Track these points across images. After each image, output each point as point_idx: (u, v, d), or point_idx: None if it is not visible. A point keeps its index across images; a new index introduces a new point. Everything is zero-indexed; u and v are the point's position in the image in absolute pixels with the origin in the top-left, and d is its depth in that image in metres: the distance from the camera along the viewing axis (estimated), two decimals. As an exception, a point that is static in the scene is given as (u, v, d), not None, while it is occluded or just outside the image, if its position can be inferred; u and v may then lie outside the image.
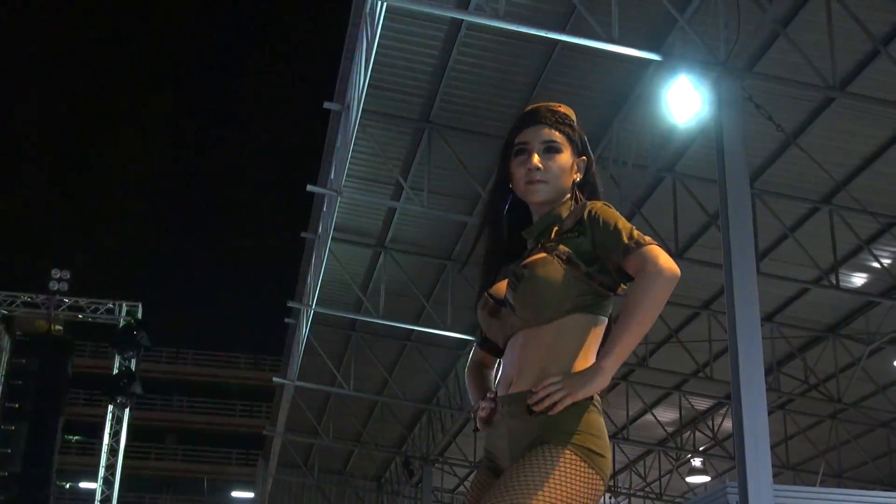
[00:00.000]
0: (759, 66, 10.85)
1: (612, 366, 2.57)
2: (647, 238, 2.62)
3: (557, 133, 2.83)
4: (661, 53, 10.06)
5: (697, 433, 21.06)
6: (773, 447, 11.02)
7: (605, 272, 2.67)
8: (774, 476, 9.18)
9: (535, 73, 11.66)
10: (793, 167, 12.64)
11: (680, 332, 16.59)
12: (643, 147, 11.67)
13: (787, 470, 20.39)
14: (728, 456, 19.73)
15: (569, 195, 2.84)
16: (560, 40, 10.59)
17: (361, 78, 11.34)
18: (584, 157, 2.88)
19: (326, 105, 13.36)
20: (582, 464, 2.53)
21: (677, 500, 23.16)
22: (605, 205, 2.74)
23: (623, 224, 2.66)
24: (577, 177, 2.86)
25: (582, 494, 2.52)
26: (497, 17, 9.68)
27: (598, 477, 2.56)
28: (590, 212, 2.71)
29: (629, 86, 11.56)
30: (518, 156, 2.84)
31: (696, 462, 21.85)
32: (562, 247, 2.70)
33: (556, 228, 2.76)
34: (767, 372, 13.30)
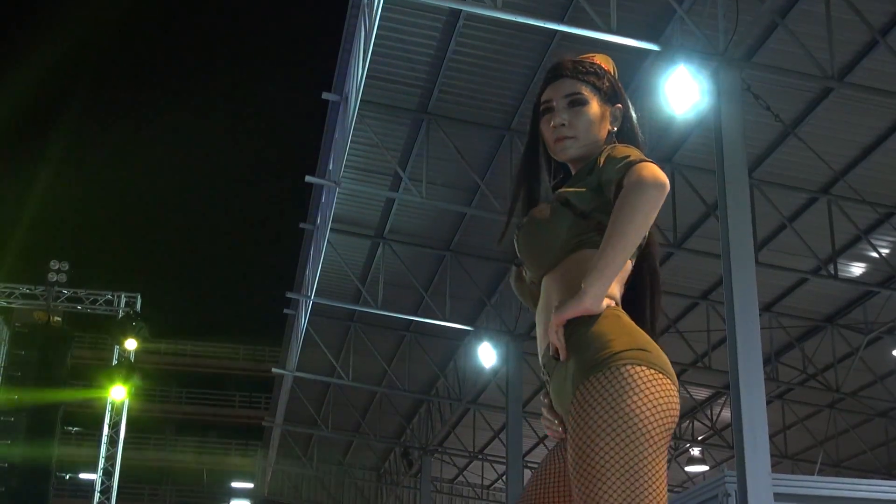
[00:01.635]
0: (757, 56, 10.85)
1: (595, 284, 2.34)
2: (644, 158, 2.45)
3: (581, 84, 2.67)
4: (659, 44, 10.05)
5: (696, 423, 21.11)
6: (771, 437, 11.03)
7: (605, 210, 2.47)
8: (773, 466, 9.22)
9: (533, 63, 11.65)
10: (791, 157, 12.65)
11: (678, 322, 16.60)
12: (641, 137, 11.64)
13: (786, 459, 20.44)
14: (726, 446, 19.77)
15: (605, 147, 2.64)
16: (558, 30, 10.59)
17: (360, 68, 11.33)
18: (619, 105, 2.71)
19: (325, 96, 13.37)
20: (633, 369, 2.26)
21: (676, 489, 23.20)
22: (628, 146, 2.57)
23: (630, 152, 2.49)
24: (613, 127, 2.70)
25: (651, 400, 2.24)
26: (495, 7, 9.67)
27: (661, 375, 2.29)
28: (606, 154, 2.55)
29: (627, 76, 11.54)
30: (545, 115, 2.70)
31: (695, 452, 21.88)
32: (564, 190, 2.58)
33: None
34: (766, 362, 13.32)
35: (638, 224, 2.35)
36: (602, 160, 2.54)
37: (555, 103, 2.68)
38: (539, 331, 2.58)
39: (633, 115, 2.76)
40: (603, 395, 2.24)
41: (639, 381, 2.25)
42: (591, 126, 2.66)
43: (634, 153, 2.49)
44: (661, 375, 2.29)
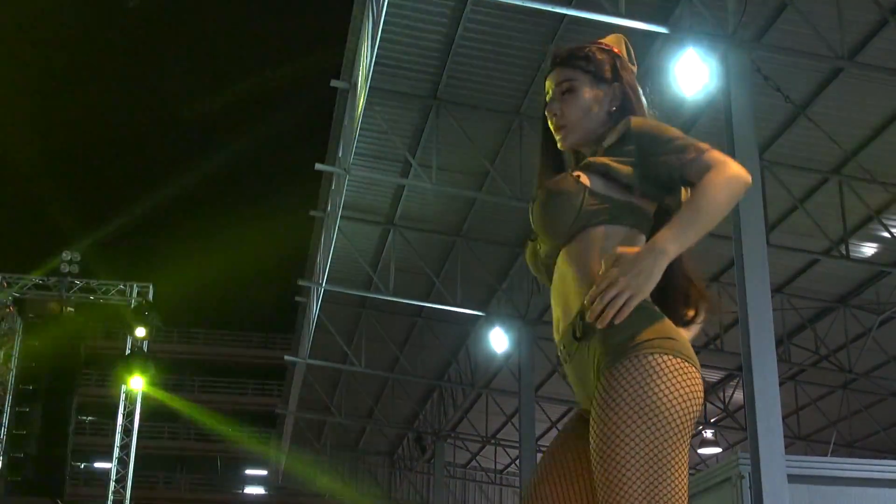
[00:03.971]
0: (767, 37, 10.80)
1: (673, 245, 2.27)
2: (704, 144, 2.46)
3: (572, 71, 2.64)
4: (668, 26, 10.03)
5: (709, 405, 21.11)
6: (784, 418, 11.03)
7: (648, 181, 2.45)
8: (786, 447, 9.21)
9: (541, 47, 11.62)
10: (802, 138, 12.60)
11: (690, 304, 16.57)
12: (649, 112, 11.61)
13: (799, 440, 20.44)
14: (740, 427, 19.78)
15: (607, 129, 2.60)
16: (566, 14, 10.56)
17: (368, 56, 11.32)
18: (617, 84, 2.65)
19: (333, 83, 13.36)
20: (660, 358, 2.23)
21: (689, 471, 23.23)
22: (656, 122, 2.55)
23: (673, 131, 2.48)
24: (613, 107, 2.63)
25: (677, 389, 2.21)
26: (503, -8, 9.65)
27: (687, 364, 2.27)
28: (633, 125, 2.50)
29: (636, 59, 11.50)
30: (547, 105, 2.68)
31: (708, 434, 21.89)
32: (600, 160, 2.48)
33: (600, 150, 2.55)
34: (778, 343, 13.30)
35: (719, 208, 2.35)
36: (632, 128, 2.49)
37: (551, 93, 2.67)
38: (556, 310, 2.50)
39: (634, 88, 2.71)
40: (629, 384, 2.21)
41: (665, 371, 2.23)
42: (585, 113, 2.61)
43: (675, 132, 2.47)
44: (686, 364, 2.26)
